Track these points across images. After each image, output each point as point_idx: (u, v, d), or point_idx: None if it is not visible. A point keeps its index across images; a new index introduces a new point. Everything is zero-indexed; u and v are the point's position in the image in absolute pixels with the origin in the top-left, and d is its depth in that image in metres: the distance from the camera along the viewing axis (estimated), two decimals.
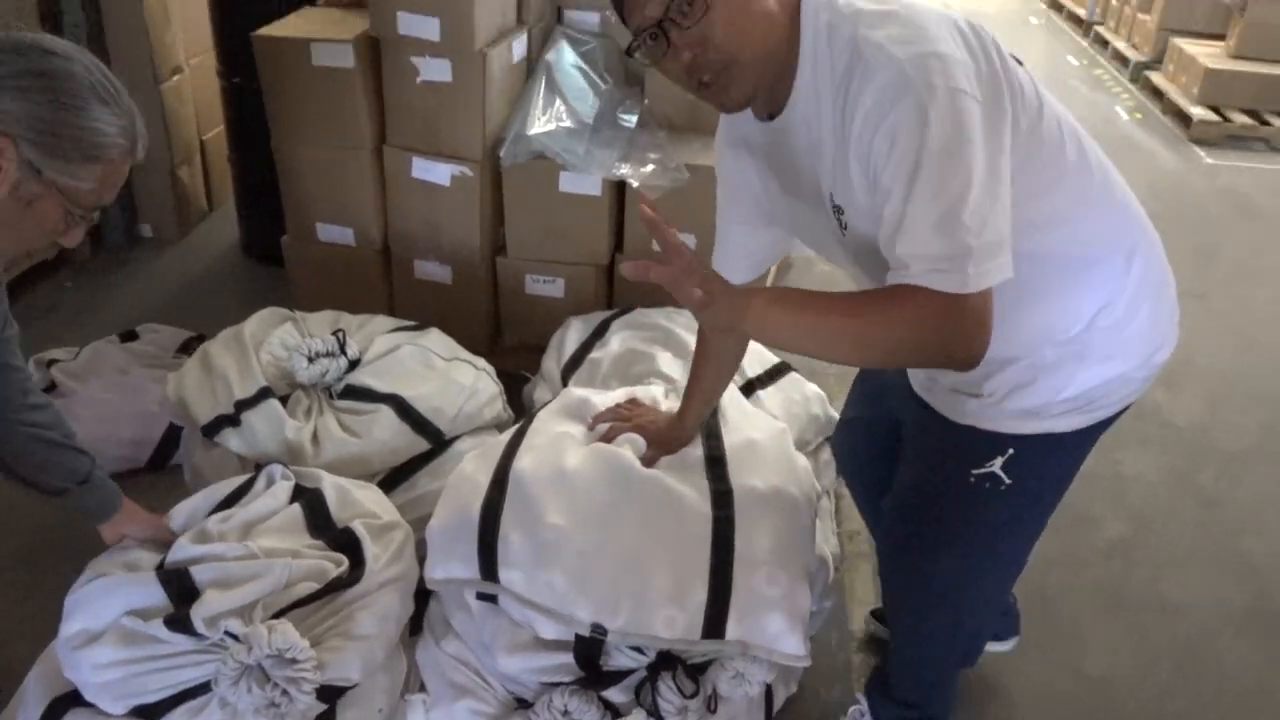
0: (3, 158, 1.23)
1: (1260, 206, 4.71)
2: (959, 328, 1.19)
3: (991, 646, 2.05)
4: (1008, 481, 1.51)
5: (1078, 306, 1.42)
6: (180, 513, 1.88)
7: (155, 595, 1.68)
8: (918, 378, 1.60)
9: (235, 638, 1.62)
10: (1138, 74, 6.59)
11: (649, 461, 1.88)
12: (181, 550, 1.74)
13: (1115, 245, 1.43)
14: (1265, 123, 5.58)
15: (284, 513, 1.82)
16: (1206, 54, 5.89)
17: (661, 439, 1.92)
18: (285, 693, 1.61)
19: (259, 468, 2.11)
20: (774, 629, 1.71)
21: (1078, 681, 2.12)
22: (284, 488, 1.87)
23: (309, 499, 1.86)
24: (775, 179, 1.46)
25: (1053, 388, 1.45)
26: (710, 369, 1.86)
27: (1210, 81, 5.70)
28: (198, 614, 1.62)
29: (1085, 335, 1.42)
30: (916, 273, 1.18)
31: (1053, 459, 1.54)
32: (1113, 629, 2.25)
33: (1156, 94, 6.23)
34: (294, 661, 1.61)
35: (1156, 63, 6.49)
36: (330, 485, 1.89)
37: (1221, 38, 6.14)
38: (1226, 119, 5.58)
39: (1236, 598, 2.38)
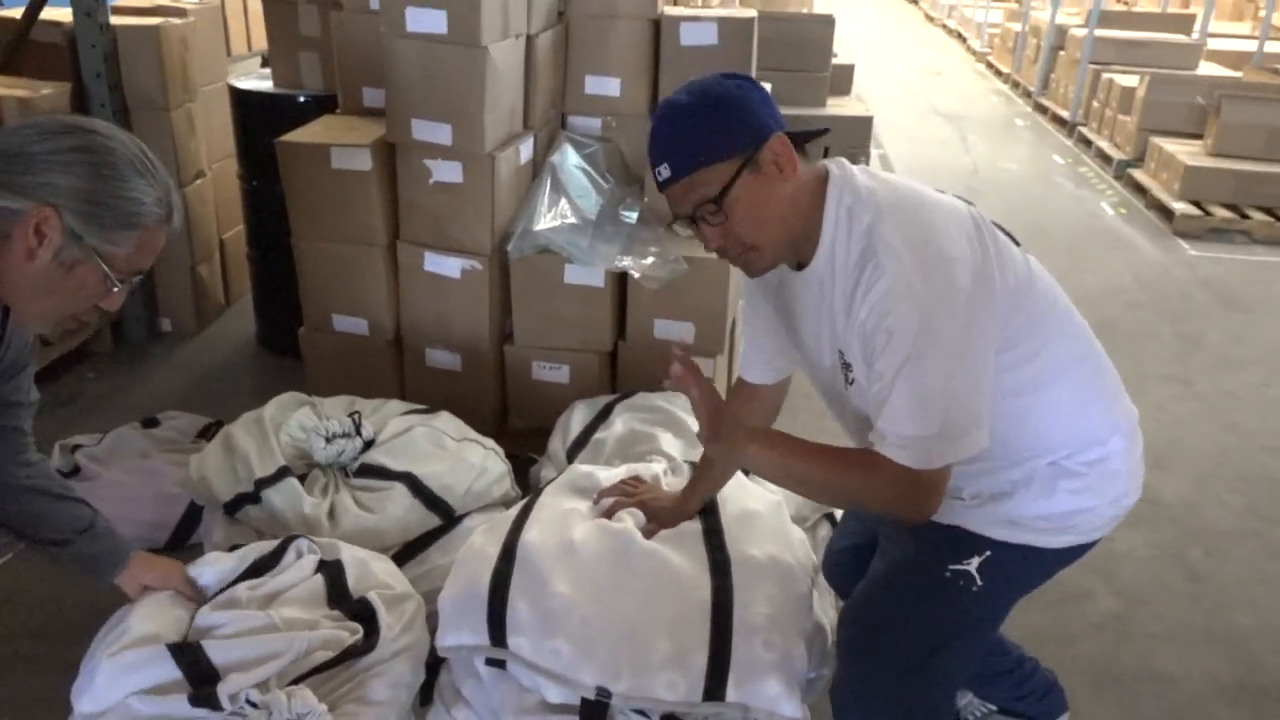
0: (46, 226, 1.36)
1: (1241, 296, 4.86)
2: (910, 494, 1.45)
3: None
4: (979, 584, 1.61)
5: (1053, 446, 1.60)
6: (208, 567, 1.96)
7: (168, 671, 1.73)
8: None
9: (254, 705, 1.69)
10: (1121, 171, 6.84)
11: (649, 534, 1.97)
12: (205, 618, 1.82)
13: (1093, 408, 1.62)
14: (1245, 215, 5.78)
15: (307, 583, 1.90)
16: (1186, 152, 6.13)
17: (663, 515, 2.01)
18: None
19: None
20: (772, 692, 1.77)
21: None
22: (310, 561, 1.96)
23: (330, 570, 1.94)
24: (795, 319, 1.66)
25: (1030, 503, 1.60)
26: (722, 470, 1.98)
27: (1190, 178, 5.92)
28: (224, 691, 1.68)
29: (1065, 467, 1.60)
30: (888, 445, 1.44)
31: (1025, 569, 1.66)
32: (1105, 701, 2.29)
33: (1140, 190, 6.45)
34: None
35: (1139, 160, 6.74)
36: (349, 557, 1.98)
37: (1199, 136, 6.39)
38: (1208, 213, 5.78)
39: (1227, 671, 2.43)
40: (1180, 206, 5.82)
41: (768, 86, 1.55)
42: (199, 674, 1.72)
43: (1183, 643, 2.51)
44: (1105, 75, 7.52)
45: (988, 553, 1.61)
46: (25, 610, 2.42)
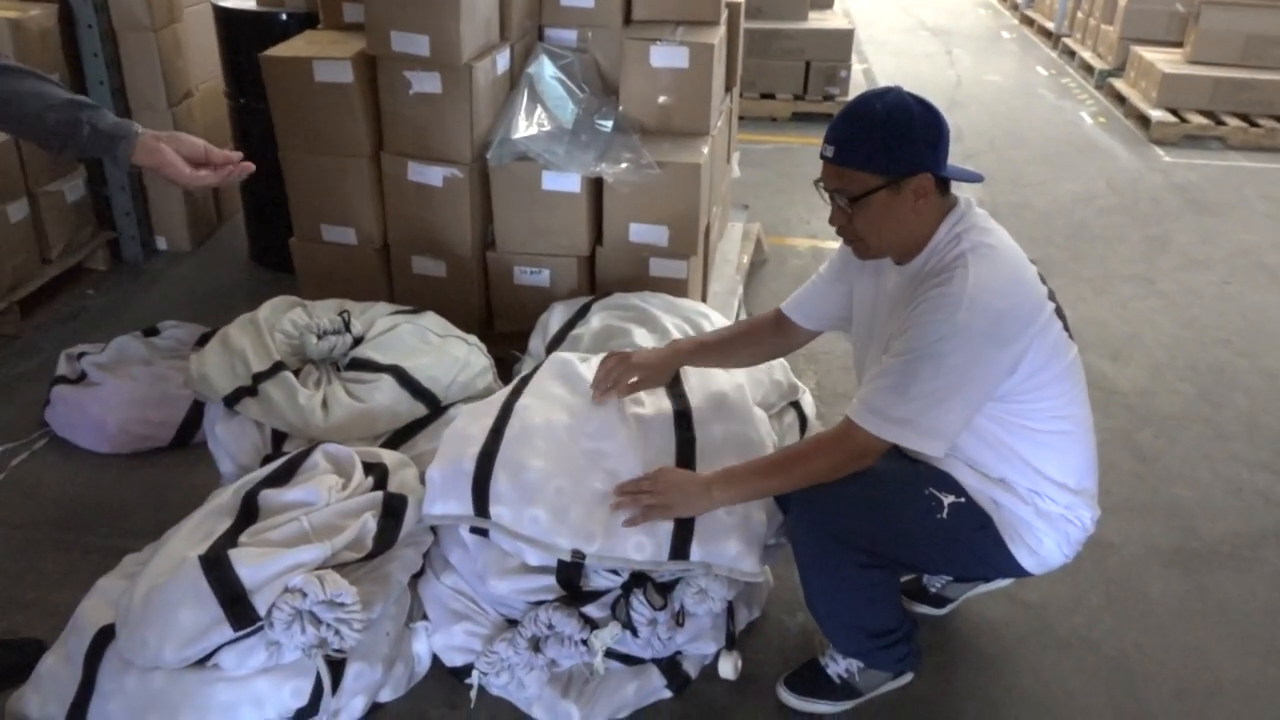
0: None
1: (1211, 200, 4.97)
2: (854, 455, 1.78)
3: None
4: (942, 517, 1.84)
5: (1037, 487, 1.86)
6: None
7: (203, 595, 1.81)
8: None
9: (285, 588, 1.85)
10: (1102, 81, 6.88)
11: (618, 391, 2.17)
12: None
13: (1073, 482, 1.87)
14: (1221, 122, 5.85)
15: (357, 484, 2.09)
16: (1164, 60, 6.18)
17: (640, 377, 2.18)
18: (338, 632, 1.84)
19: (279, 436, 2.36)
20: (732, 551, 1.94)
21: (1014, 608, 2.35)
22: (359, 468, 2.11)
23: (378, 474, 2.14)
24: (878, 300, 1.94)
25: (1005, 493, 1.86)
26: (729, 349, 2.23)
27: (1168, 85, 5.98)
28: (260, 602, 1.81)
29: (1043, 496, 1.86)
30: (855, 406, 1.76)
31: (979, 538, 1.87)
32: None
33: (1119, 99, 6.51)
34: (343, 605, 1.84)
35: (1119, 70, 6.78)
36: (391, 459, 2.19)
37: (1179, 45, 6.43)
38: (1184, 120, 5.86)
39: (1164, 538, 2.61)
40: (1157, 114, 5.89)
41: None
42: (229, 592, 1.80)
43: (1125, 515, 2.69)
44: None
45: (962, 499, 1.86)
46: (44, 503, 2.59)
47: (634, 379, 2.17)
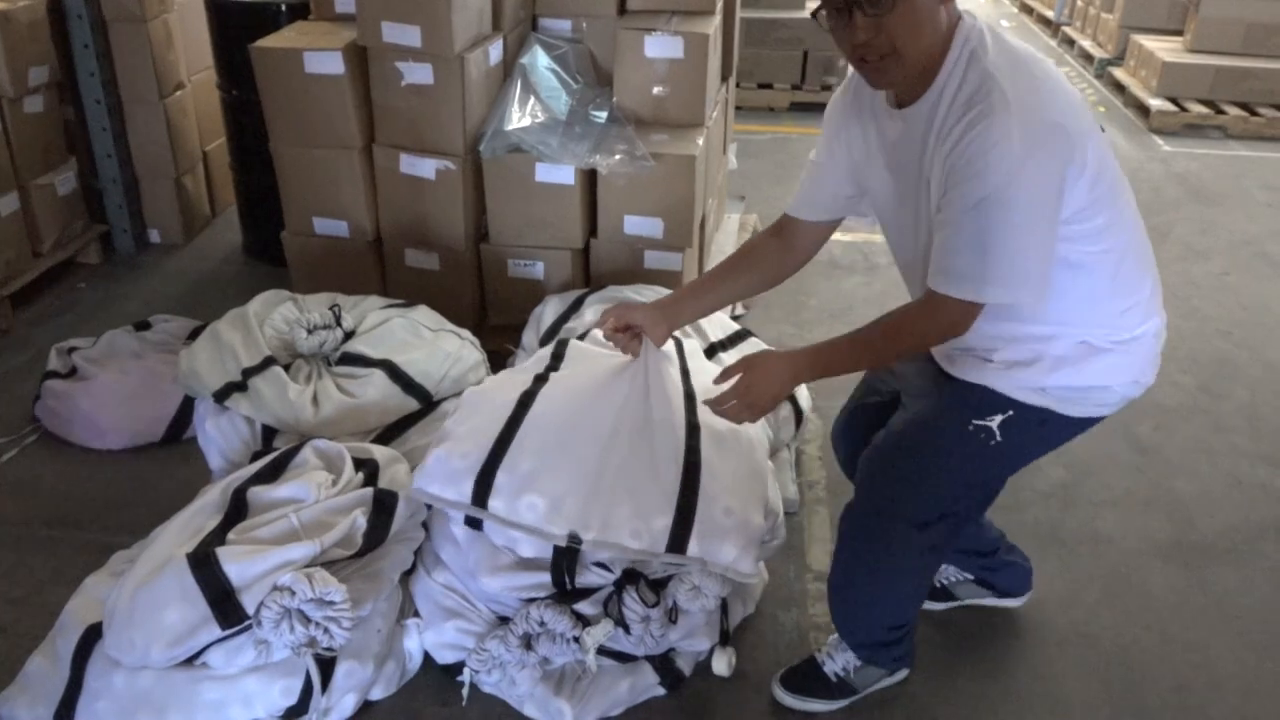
0: None
1: (1211, 189, 4.94)
2: (946, 324, 1.60)
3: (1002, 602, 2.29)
4: (998, 439, 1.72)
5: (1095, 322, 1.68)
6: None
7: (190, 594, 1.79)
8: (938, 350, 1.82)
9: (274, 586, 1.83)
10: (1102, 70, 6.85)
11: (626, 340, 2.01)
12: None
13: (1136, 291, 1.71)
14: (1221, 111, 5.82)
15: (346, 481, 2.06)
16: (1165, 48, 6.14)
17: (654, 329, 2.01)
18: (327, 631, 1.82)
19: (269, 432, 2.34)
20: (730, 555, 1.93)
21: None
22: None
23: (369, 469, 2.10)
24: (882, 157, 1.72)
25: (1054, 374, 1.69)
26: (734, 282, 1.99)
27: (1168, 74, 5.94)
28: (249, 601, 1.79)
29: (1096, 345, 1.68)
30: (939, 274, 1.56)
31: (1041, 432, 1.76)
32: (1048, 560, 2.45)
33: (1119, 88, 6.47)
34: (332, 603, 1.82)
35: (1119, 59, 6.74)
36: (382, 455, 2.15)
37: (1180, 33, 6.39)
38: (1184, 109, 5.82)
39: (1163, 531, 2.59)
40: (1157, 103, 5.85)
41: None
42: (217, 591, 1.78)
43: (1124, 508, 2.67)
44: None
45: (1010, 412, 1.71)
46: (37, 498, 2.57)
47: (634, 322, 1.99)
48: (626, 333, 1.98)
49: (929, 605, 2.26)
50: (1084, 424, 1.78)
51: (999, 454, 1.75)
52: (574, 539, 1.89)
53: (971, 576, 2.27)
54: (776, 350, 1.84)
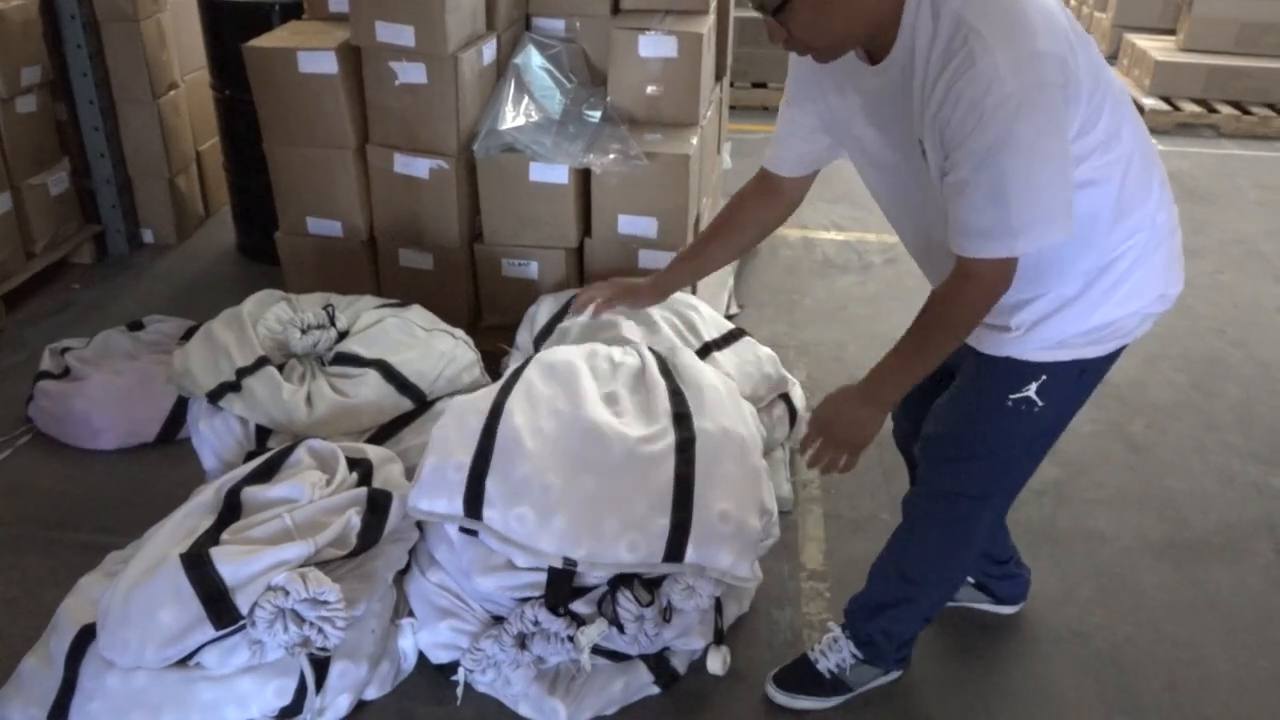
0: None
1: (1204, 189, 4.96)
2: (989, 288, 1.51)
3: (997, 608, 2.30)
4: (1040, 404, 1.69)
5: (1108, 245, 1.60)
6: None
7: (184, 594, 1.80)
8: None
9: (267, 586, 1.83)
10: None
11: (601, 307, 2.12)
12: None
13: (1146, 196, 1.62)
14: (1214, 110, 5.83)
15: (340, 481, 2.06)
16: (1157, 48, 6.15)
17: (635, 294, 2.11)
18: (321, 631, 1.82)
19: (262, 432, 2.34)
20: (727, 561, 1.94)
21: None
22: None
23: (363, 469, 2.11)
24: (862, 113, 1.62)
25: (1076, 320, 1.63)
26: (724, 243, 2.01)
27: (1161, 73, 5.95)
28: (242, 601, 1.79)
29: (1110, 271, 1.61)
30: (967, 236, 1.46)
31: (1080, 382, 1.73)
32: (1040, 557, 2.46)
33: None
34: (326, 603, 1.82)
35: (1113, 58, 6.75)
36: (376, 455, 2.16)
37: (1173, 32, 6.40)
38: (1177, 108, 5.84)
39: (1156, 529, 2.60)
40: (1150, 102, 5.86)
41: None
42: (210, 591, 1.79)
43: (1117, 506, 2.68)
44: None
45: (1043, 376, 1.67)
46: (30, 499, 2.57)
47: (617, 300, 2.11)
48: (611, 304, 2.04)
49: None
50: (1118, 353, 1.73)
51: (1046, 416, 1.72)
52: (569, 562, 1.90)
53: (972, 580, 2.28)
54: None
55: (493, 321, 3.15)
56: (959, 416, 1.80)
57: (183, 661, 1.85)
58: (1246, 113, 5.82)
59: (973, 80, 1.37)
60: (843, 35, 1.49)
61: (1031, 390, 1.68)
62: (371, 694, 2.01)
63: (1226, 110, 5.82)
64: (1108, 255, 1.60)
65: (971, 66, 1.37)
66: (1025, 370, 1.67)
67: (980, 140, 1.39)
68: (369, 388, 2.35)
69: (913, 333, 1.60)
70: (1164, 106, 5.83)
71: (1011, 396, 1.69)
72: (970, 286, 1.52)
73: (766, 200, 1.93)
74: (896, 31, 1.47)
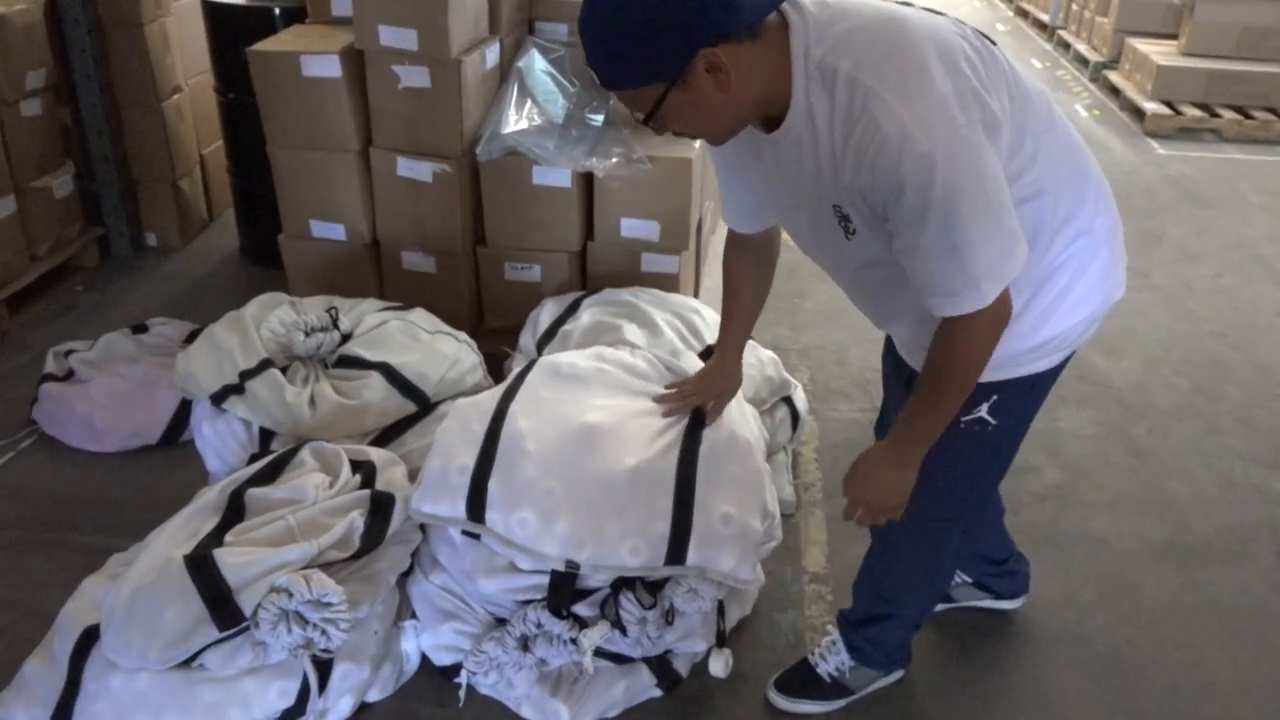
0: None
1: (1205, 192, 4.96)
2: (990, 326, 1.46)
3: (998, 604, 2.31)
4: (994, 422, 1.68)
5: (1047, 259, 1.56)
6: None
7: (188, 595, 1.80)
8: (902, 346, 1.77)
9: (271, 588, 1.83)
10: (1097, 73, 6.87)
11: (715, 414, 2.10)
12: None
13: (1081, 201, 1.58)
14: (1215, 114, 5.84)
15: (343, 483, 2.06)
16: (1159, 52, 6.16)
17: (717, 392, 2.10)
18: (324, 632, 1.83)
19: (266, 434, 2.35)
20: (729, 564, 1.94)
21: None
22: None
23: (366, 471, 2.11)
24: (776, 175, 1.58)
25: (1022, 337, 1.59)
26: (742, 304, 1.98)
27: (1163, 77, 5.97)
28: (246, 602, 1.80)
29: (1052, 284, 1.58)
30: (945, 301, 1.43)
31: (1029, 396, 1.72)
32: (1042, 560, 2.46)
33: (1114, 91, 6.50)
34: (329, 605, 1.83)
35: (1114, 63, 6.76)
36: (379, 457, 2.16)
37: (1174, 37, 6.41)
38: (1178, 112, 5.85)
39: (1157, 533, 2.60)
40: (1151, 106, 5.88)
41: None
42: (214, 592, 1.79)
43: (1119, 509, 2.68)
44: None
45: (994, 396, 1.64)
46: (32, 502, 2.58)
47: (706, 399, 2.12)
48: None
49: None
50: (1065, 363, 1.72)
51: (1000, 433, 1.71)
52: (571, 565, 1.90)
53: (971, 580, 2.28)
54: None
55: (495, 324, 3.16)
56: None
57: (186, 663, 1.85)
58: (1248, 117, 5.83)
59: (883, 147, 1.32)
60: (725, 125, 1.47)
61: (983, 410, 1.66)
62: (374, 696, 2.02)
63: (1228, 114, 5.83)
64: (1048, 268, 1.57)
65: (877, 132, 1.32)
66: (976, 392, 1.60)
67: (910, 206, 1.35)
68: (372, 390, 2.36)
69: (927, 385, 1.57)
70: (1165, 111, 5.84)
71: (964, 419, 1.65)
72: (965, 341, 1.49)
73: (747, 255, 1.92)
74: (789, 102, 1.41)
